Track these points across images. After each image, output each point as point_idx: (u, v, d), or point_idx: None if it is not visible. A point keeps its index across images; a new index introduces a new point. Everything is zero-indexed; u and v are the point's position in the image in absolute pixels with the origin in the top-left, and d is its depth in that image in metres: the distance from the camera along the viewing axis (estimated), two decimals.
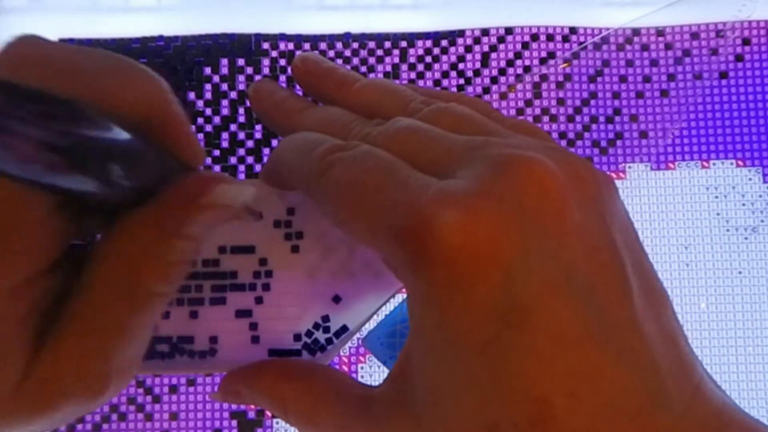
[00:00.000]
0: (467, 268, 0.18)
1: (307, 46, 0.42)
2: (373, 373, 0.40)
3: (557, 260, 0.18)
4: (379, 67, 0.42)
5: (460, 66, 0.43)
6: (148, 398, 0.40)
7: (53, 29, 0.43)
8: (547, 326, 0.18)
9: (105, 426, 0.40)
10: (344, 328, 0.25)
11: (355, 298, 0.26)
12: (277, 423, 0.40)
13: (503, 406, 0.18)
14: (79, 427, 0.39)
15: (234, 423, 0.40)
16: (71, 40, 0.42)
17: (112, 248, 0.20)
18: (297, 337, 0.25)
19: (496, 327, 0.18)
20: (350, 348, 0.40)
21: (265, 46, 0.42)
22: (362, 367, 0.40)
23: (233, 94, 0.42)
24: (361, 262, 0.26)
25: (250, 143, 0.41)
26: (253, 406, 0.40)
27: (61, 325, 0.19)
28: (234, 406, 0.40)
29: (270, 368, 0.24)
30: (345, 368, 0.40)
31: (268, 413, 0.40)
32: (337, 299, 0.26)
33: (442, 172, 0.20)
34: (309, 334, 0.25)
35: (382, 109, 0.24)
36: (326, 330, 0.25)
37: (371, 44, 0.43)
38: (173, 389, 0.40)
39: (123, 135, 0.18)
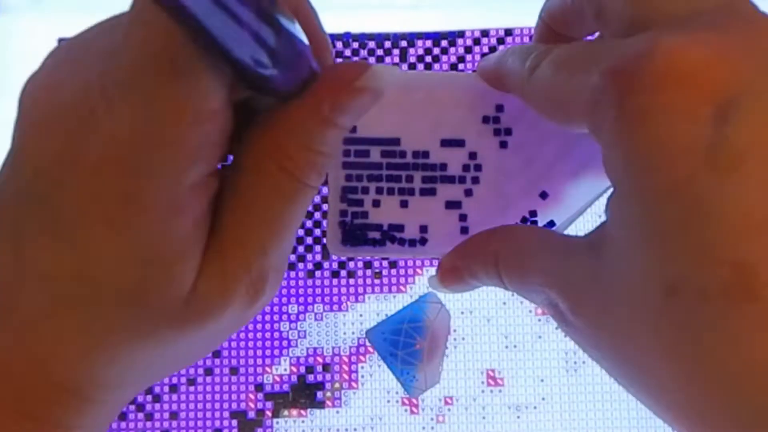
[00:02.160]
0: (671, 95, 0.16)
1: None
2: (373, 372, 0.40)
3: None
4: None
5: (460, 66, 0.43)
6: (149, 398, 0.40)
7: (53, 29, 0.42)
8: (763, 179, 0.15)
9: None
10: (551, 223, 0.26)
11: (562, 194, 0.26)
12: (278, 423, 0.40)
13: (690, 264, 0.15)
14: None
15: (234, 423, 0.40)
16: None
17: (266, 139, 0.19)
18: None
19: (695, 165, 0.15)
20: (350, 348, 0.40)
21: None
22: (362, 366, 0.40)
23: None
24: (570, 159, 0.26)
25: None
26: (252, 406, 0.40)
27: (219, 226, 0.19)
28: (234, 407, 0.40)
29: (477, 235, 0.24)
30: (345, 367, 0.40)
31: (268, 413, 0.40)
32: (544, 195, 0.26)
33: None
34: None
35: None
36: (533, 224, 0.26)
37: (371, 44, 0.43)
38: (173, 389, 0.40)
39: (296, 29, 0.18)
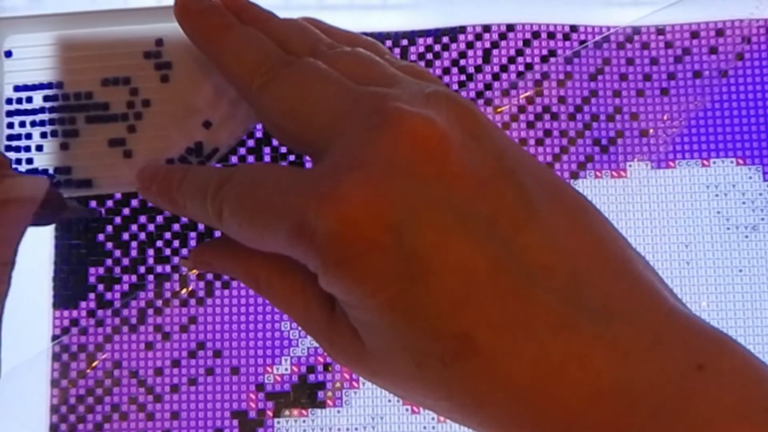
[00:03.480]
0: (353, 244, 0.19)
1: None
2: None
3: (448, 204, 0.19)
4: None
5: (462, 62, 0.43)
6: (150, 398, 0.40)
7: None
8: (451, 268, 0.19)
9: (106, 425, 0.39)
10: (215, 150, 0.27)
11: (223, 122, 0.27)
12: (278, 423, 0.40)
13: (427, 345, 0.19)
14: (81, 426, 0.39)
15: (235, 423, 0.40)
16: None
17: None
18: (170, 162, 0.27)
19: (400, 284, 0.19)
20: None
21: None
22: None
23: None
24: (229, 89, 0.26)
25: (251, 142, 0.41)
26: (253, 406, 0.40)
27: None
28: (235, 406, 0.40)
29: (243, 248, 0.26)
30: (346, 375, 0.40)
31: (269, 413, 0.40)
32: (207, 125, 0.27)
33: (332, 130, 0.21)
34: (182, 159, 0.27)
35: (291, 46, 0.25)
36: (199, 154, 0.27)
37: None
38: (174, 389, 0.40)
39: None
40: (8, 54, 0.27)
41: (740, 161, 0.42)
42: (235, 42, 0.24)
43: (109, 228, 0.40)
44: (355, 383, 0.40)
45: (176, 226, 0.41)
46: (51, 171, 0.26)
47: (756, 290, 0.41)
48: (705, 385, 0.18)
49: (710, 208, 0.42)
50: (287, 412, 0.40)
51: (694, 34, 0.43)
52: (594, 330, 0.19)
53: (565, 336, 0.19)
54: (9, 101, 0.26)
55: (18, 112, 0.26)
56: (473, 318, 0.19)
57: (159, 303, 0.40)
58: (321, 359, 0.40)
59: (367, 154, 0.19)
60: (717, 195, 0.42)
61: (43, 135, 0.26)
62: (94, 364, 0.39)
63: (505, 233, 0.19)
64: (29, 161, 0.26)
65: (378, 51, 0.25)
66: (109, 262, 0.40)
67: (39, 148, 0.26)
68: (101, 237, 0.40)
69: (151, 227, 0.41)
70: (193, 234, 0.41)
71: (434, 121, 0.20)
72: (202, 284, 0.41)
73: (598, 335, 0.19)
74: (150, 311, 0.40)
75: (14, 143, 0.26)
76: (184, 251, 0.41)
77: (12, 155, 0.26)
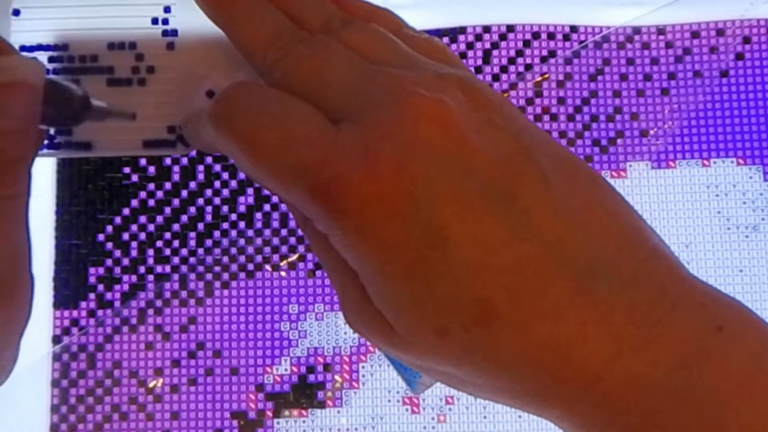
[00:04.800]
0: (375, 211, 0.19)
1: None
2: (374, 372, 0.40)
3: (467, 179, 0.20)
4: None
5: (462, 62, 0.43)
6: (150, 398, 0.40)
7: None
8: (469, 236, 0.19)
9: (107, 425, 0.39)
10: None
11: None
12: (278, 423, 0.40)
13: (447, 312, 0.20)
14: (81, 426, 0.39)
15: (235, 423, 0.40)
16: None
17: None
18: (171, 130, 0.26)
19: (419, 251, 0.19)
20: (351, 347, 0.40)
21: None
22: (363, 366, 0.40)
23: None
24: (234, 55, 0.26)
25: None
26: (253, 406, 0.40)
27: None
28: (234, 407, 0.40)
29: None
30: (346, 366, 0.40)
31: (269, 413, 0.40)
32: (210, 94, 0.26)
33: (347, 106, 0.21)
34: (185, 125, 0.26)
35: (304, 20, 0.25)
36: None
37: None
38: (174, 389, 0.40)
39: None
40: (16, 13, 0.27)
41: (740, 161, 0.42)
42: (248, 14, 0.24)
43: (109, 228, 0.40)
44: (354, 383, 0.40)
45: (176, 226, 0.41)
46: (52, 131, 0.26)
47: (756, 290, 0.40)
48: (724, 345, 0.19)
49: (710, 208, 0.41)
50: (287, 413, 0.40)
51: (695, 34, 0.43)
52: (610, 296, 0.19)
53: (581, 301, 0.19)
54: None
55: None
56: (492, 283, 0.19)
57: (159, 303, 0.40)
58: (321, 359, 0.40)
59: (391, 129, 0.20)
60: (717, 195, 0.42)
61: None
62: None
63: (521, 207, 0.20)
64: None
65: (395, 24, 0.25)
66: (109, 262, 0.40)
67: None
68: (101, 237, 0.40)
69: (151, 227, 0.41)
70: (192, 234, 0.41)
71: (448, 104, 0.20)
72: (201, 284, 0.41)
73: (614, 301, 0.19)
74: (150, 311, 0.40)
75: None
76: (184, 251, 0.41)
77: None
